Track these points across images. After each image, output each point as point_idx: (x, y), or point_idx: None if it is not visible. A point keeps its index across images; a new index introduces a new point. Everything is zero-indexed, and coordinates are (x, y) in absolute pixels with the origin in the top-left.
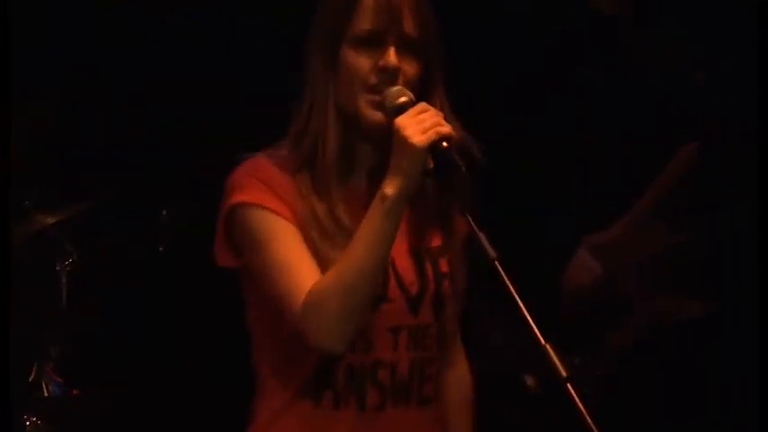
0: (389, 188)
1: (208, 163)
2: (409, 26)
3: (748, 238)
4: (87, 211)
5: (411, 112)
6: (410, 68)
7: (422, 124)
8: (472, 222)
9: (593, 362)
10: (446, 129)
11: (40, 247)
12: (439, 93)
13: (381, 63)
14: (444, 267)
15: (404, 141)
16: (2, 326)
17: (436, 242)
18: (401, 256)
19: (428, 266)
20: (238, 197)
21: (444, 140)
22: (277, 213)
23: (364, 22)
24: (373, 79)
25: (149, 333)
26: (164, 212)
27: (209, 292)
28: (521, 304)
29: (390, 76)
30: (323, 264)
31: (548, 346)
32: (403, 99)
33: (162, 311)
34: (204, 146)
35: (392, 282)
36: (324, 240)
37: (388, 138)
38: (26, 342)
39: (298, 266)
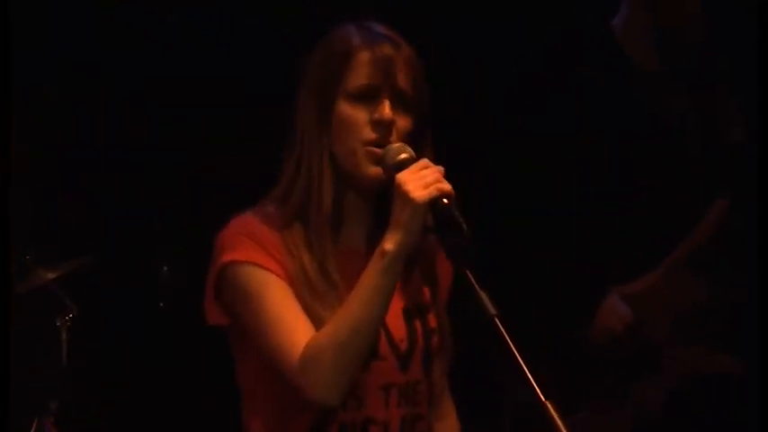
0: (389, 244)
1: (208, 220)
2: (403, 81)
3: None
4: (88, 267)
5: (413, 168)
6: (403, 123)
7: (423, 180)
8: (473, 280)
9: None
10: (447, 186)
11: (40, 302)
12: (429, 149)
13: (377, 116)
14: (432, 323)
15: (405, 196)
16: (2, 379)
17: (423, 298)
18: (392, 312)
19: (417, 323)
20: (229, 256)
21: (445, 197)
22: (268, 270)
23: (360, 76)
24: (370, 133)
25: (148, 388)
26: (164, 269)
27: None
28: (521, 361)
29: (386, 129)
30: (313, 320)
31: (548, 404)
32: (404, 155)
33: (161, 367)
34: (204, 203)
35: (383, 339)
36: (314, 297)
37: (380, 193)
38: (26, 396)
39: (292, 321)
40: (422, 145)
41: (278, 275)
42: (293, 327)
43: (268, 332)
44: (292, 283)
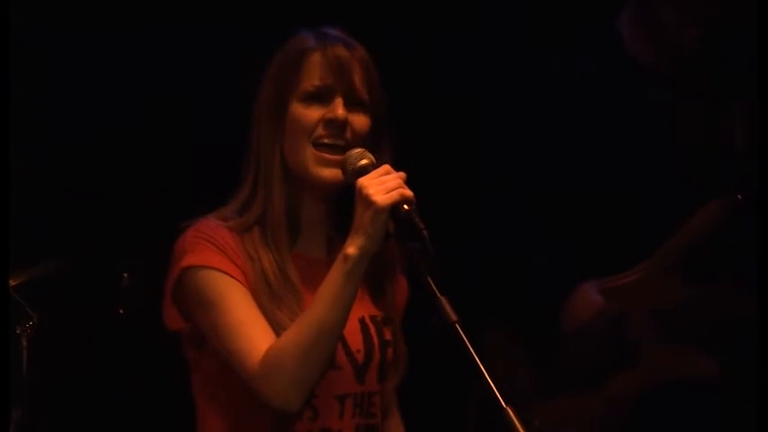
0: (352, 248)
1: (169, 226)
2: (358, 82)
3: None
4: (48, 274)
5: (374, 173)
6: (359, 121)
7: (385, 185)
8: (434, 286)
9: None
10: (409, 192)
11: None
12: (387, 154)
13: (329, 115)
14: (388, 335)
15: (366, 200)
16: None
17: (379, 309)
18: (348, 322)
19: (373, 334)
20: (188, 260)
21: (406, 203)
22: (227, 273)
23: (313, 77)
24: (320, 131)
25: (109, 395)
26: (125, 275)
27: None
28: (482, 367)
29: (338, 128)
30: (273, 324)
31: (509, 410)
32: (365, 161)
33: (122, 374)
34: (166, 209)
35: (340, 349)
36: (273, 300)
37: (339, 201)
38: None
39: (251, 325)
40: (379, 149)
41: (237, 280)
42: (253, 331)
43: (227, 337)
44: (252, 287)
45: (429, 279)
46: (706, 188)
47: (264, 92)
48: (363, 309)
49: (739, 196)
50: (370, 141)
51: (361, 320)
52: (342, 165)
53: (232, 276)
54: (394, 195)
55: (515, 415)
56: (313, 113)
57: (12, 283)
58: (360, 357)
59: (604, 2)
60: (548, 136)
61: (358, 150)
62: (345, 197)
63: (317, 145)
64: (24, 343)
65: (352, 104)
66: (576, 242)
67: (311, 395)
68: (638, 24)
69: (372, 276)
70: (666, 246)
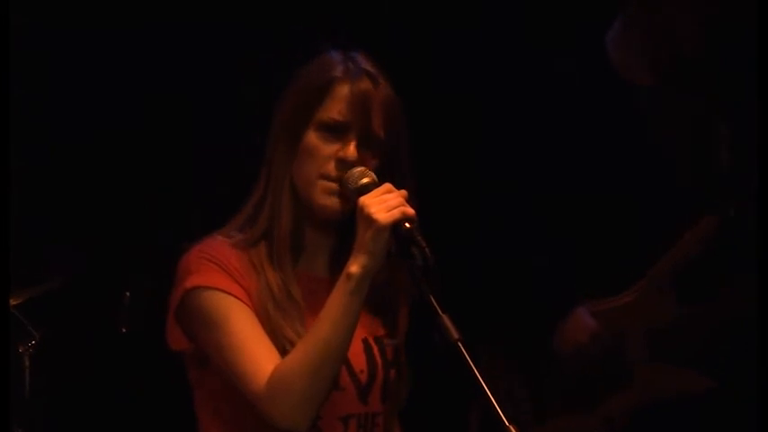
0: (354, 267)
1: (171, 245)
2: (377, 124)
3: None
4: (50, 293)
5: (376, 191)
6: (369, 163)
7: (386, 203)
8: (436, 304)
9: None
10: (410, 210)
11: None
12: (408, 181)
13: (341, 154)
14: (390, 355)
15: (368, 219)
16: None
17: (383, 330)
18: (352, 342)
19: (377, 354)
20: (191, 281)
21: (408, 221)
22: (230, 293)
23: (334, 110)
24: (330, 168)
25: (111, 413)
26: (126, 294)
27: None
28: (484, 385)
29: (349, 168)
30: (275, 335)
31: (512, 428)
32: (366, 180)
33: (123, 392)
34: (168, 228)
35: (343, 369)
36: (277, 312)
37: (342, 225)
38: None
39: (256, 347)
40: (395, 182)
41: (241, 300)
42: (258, 352)
43: (232, 358)
44: (256, 299)
45: (431, 297)
46: (696, 203)
47: (284, 109)
48: (366, 329)
49: (732, 212)
50: (383, 176)
51: (365, 341)
52: (343, 184)
53: (236, 297)
54: (395, 214)
55: None
56: (327, 148)
57: (13, 302)
58: (363, 378)
59: (605, 2)
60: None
61: (360, 169)
62: (350, 223)
63: (325, 179)
64: (27, 362)
65: (366, 144)
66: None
67: (316, 416)
68: (635, 26)
69: (376, 296)
70: (659, 264)
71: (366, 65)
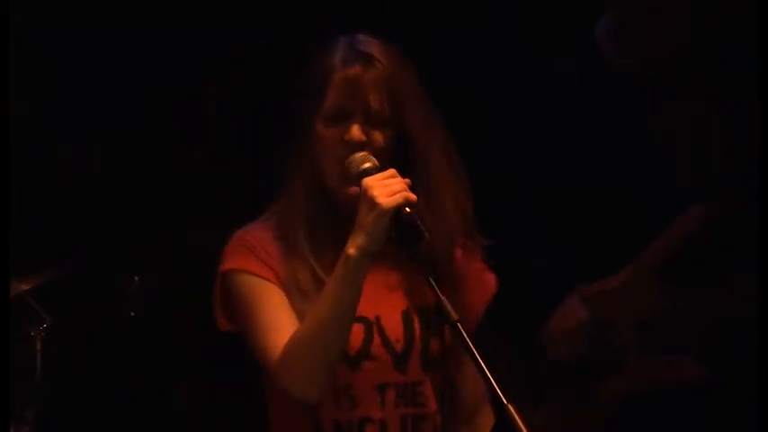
0: (352, 248)
1: (179, 230)
2: (376, 101)
3: (750, 310)
4: (61, 277)
5: (379, 175)
6: (378, 138)
7: (389, 187)
8: (435, 287)
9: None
10: (412, 195)
11: (14, 313)
12: (426, 157)
13: (346, 137)
14: (435, 327)
15: (370, 201)
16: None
17: (428, 301)
18: (389, 313)
19: (416, 324)
20: (225, 265)
21: (409, 206)
22: (260, 276)
23: (331, 99)
24: (342, 151)
25: (123, 396)
26: (135, 278)
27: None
28: (483, 365)
29: (355, 149)
30: (302, 318)
31: (510, 406)
32: (368, 164)
33: (134, 375)
34: (177, 214)
35: (376, 340)
36: (304, 298)
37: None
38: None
39: (278, 323)
40: (415, 155)
41: (270, 281)
42: (279, 328)
43: (256, 334)
44: (285, 285)
45: (430, 280)
46: (685, 191)
47: (294, 105)
48: (410, 299)
49: (718, 202)
50: (397, 155)
51: (405, 311)
52: (347, 167)
53: (264, 278)
54: (398, 198)
55: (516, 412)
56: (333, 133)
57: (25, 287)
58: (399, 347)
59: (605, 2)
60: (548, 136)
61: (361, 154)
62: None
63: (341, 163)
64: (38, 346)
65: (369, 122)
66: (577, 242)
67: (347, 385)
68: (632, 24)
69: (434, 271)
70: (648, 250)
71: (364, 47)
